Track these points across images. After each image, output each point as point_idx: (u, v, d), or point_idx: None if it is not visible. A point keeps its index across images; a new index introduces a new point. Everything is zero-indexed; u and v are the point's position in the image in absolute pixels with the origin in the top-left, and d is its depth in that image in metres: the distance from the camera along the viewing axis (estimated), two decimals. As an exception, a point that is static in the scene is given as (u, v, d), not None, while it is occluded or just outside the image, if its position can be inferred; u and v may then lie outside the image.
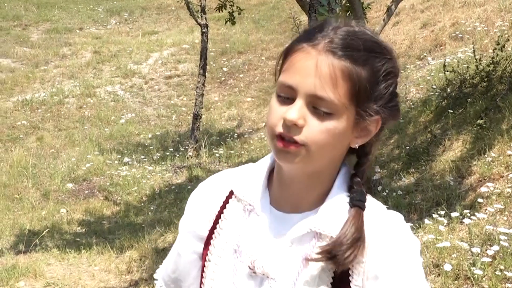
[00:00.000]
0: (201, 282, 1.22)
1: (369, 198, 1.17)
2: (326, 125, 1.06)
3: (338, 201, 1.14)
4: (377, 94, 1.09)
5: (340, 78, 1.05)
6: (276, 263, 1.13)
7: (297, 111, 1.06)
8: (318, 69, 1.05)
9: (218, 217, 1.22)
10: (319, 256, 1.09)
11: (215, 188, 1.25)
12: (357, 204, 1.12)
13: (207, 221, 1.23)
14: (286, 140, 1.08)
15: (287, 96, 1.08)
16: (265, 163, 1.21)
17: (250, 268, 1.14)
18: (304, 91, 1.06)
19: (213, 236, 1.21)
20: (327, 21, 1.12)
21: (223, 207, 1.22)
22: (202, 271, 1.22)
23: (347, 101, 1.06)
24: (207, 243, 1.22)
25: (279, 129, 1.08)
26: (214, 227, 1.21)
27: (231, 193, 1.22)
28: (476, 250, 3.84)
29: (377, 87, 1.09)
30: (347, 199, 1.14)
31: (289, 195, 1.16)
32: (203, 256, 1.22)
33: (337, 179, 1.16)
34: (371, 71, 1.08)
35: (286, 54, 1.11)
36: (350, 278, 1.11)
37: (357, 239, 1.08)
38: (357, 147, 1.14)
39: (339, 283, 1.11)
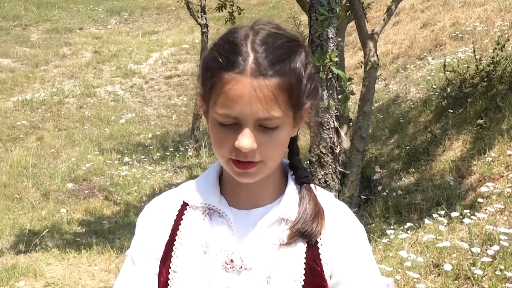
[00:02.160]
0: None
1: (319, 188, 1.27)
2: (276, 138, 1.13)
3: (294, 191, 1.24)
4: (305, 88, 1.16)
5: (278, 94, 1.10)
6: (250, 254, 1.19)
7: (248, 137, 1.11)
8: (257, 95, 1.09)
9: (174, 230, 1.24)
10: (291, 237, 1.18)
11: (163, 206, 1.28)
12: (303, 181, 1.23)
13: (161, 239, 1.25)
14: (244, 162, 1.14)
15: (231, 123, 1.13)
16: (212, 171, 1.27)
17: (226, 264, 1.18)
18: (251, 118, 1.10)
19: (173, 248, 1.23)
20: (235, 36, 1.14)
21: (178, 219, 1.25)
22: (166, 285, 1.23)
23: (288, 110, 1.13)
24: (165, 258, 1.24)
25: (234, 156, 1.13)
26: (172, 240, 1.24)
27: (184, 205, 1.26)
28: (476, 250, 3.84)
29: (303, 83, 1.15)
30: (296, 182, 1.25)
31: (247, 195, 1.22)
32: (163, 272, 1.24)
33: (290, 173, 1.26)
34: (296, 73, 1.13)
35: (212, 84, 1.13)
36: (320, 256, 1.19)
37: (318, 211, 1.20)
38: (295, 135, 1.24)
39: (311, 262, 1.19)
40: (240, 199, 1.22)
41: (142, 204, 8.11)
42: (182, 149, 10.43)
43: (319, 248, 1.19)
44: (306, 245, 1.19)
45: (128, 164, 9.83)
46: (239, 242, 1.19)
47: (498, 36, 7.69)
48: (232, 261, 1.18)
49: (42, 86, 13.95)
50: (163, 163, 9.81)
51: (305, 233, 1.18)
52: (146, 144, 10.97)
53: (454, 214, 4.49)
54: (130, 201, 8.31)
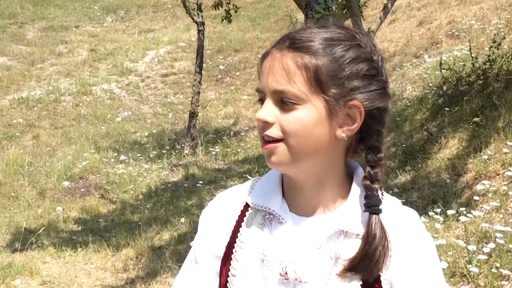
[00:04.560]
0: None
1: (385, 195, 1.20)
2: (294, 115, 1.09)
3: (357, 200, 1.16)
4: (343, 79, 1.10)
5: (293, 68, 1.09)
6: (307, 266, 1.14)
7: (264, 109, 1.11)
8: (273, 66, 1.10)
9: (235, 231, 1.22)
10: (345, 271, 1.12)
11: (227, 204, 1.26)
12: (370, 210, 1.13)
13: (223, 238, 1.23)
14: (266, 140, 1.12)
15: (262, 99, 1.14)
16: (274, 173, 1.23)
17: (281, 275, 1.15)
18: (268, 90, 1.11)
19: (233, 251, 1.21)
20: (301, 27, 1.16)
21: (240, 220, 1.23)
22: (226, 287, 1.21)
23: (307, 89, 1.09)
24: (226, 259, 1.22)
25: (259, 132, 1.13)
26: (232, 242, 1.22)
27: (246, 206, 1.23)
28: (472, 247, 3.84)
29: (341, 73, 1.10)
30: (364, 201, 1.16)
31: (305, 200, 1.18)
32: (224, 273, 1.22)
33: (354, 179, 1.18)
34: (330, 58, 1.10)
35: (261, 61, 1.16)
36: (380, 273, 1.13)
37: (383, 247, 1.12)
38: (346, 138, 1.13)
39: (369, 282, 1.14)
40: (301, 204, 1.18)
41: (138, 202, 8.10)
42: (178, 147, 10.42)
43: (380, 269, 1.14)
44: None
45: (125, 162, 9.82)
46: (296, 253, 1.15)
47: (494, 34, 7.69)
48: (286, 273, 1.14)
49: (38, 84, 13.91)
50: (159, 161, 9.80)
51: (365, 271, 1.12)
52: (143, 142, 10.95)
53: (450, 212, 4.49)
54: (126, 199, 8.30)
